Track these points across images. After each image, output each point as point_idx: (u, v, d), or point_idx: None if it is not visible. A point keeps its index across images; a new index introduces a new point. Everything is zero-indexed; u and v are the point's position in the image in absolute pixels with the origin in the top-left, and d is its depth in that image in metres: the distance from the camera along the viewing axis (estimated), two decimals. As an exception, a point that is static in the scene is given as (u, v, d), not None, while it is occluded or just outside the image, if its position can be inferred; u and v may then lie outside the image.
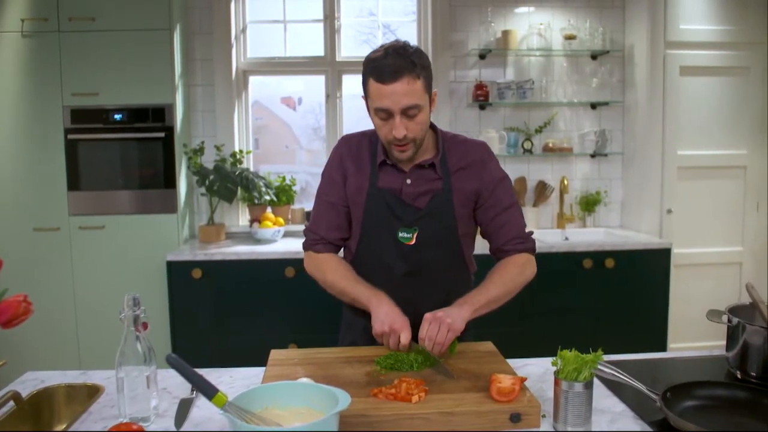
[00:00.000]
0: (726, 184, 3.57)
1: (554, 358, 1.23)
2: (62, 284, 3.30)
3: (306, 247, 1.74)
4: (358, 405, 1.22)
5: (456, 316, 1.47)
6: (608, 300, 3.30)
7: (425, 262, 1.65)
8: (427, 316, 1.47)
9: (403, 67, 1.47)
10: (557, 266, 3.25)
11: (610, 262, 3.25)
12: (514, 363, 1.57)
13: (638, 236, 3.51)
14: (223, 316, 3.17)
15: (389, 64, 1.47)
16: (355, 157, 1.68)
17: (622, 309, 3.30)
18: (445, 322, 1.44)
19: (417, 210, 1.63)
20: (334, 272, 1.66)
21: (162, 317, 3.20)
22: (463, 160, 1.67)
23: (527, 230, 1.70)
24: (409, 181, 1.64)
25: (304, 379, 1.23)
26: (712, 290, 3.55)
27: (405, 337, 1.46)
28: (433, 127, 1.69)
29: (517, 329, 3.20)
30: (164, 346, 3.18)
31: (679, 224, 3.52)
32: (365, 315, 1.60)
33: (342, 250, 1.77)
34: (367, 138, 1.71)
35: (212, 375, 1.53)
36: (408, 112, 1.50)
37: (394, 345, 1.48)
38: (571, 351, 1.22)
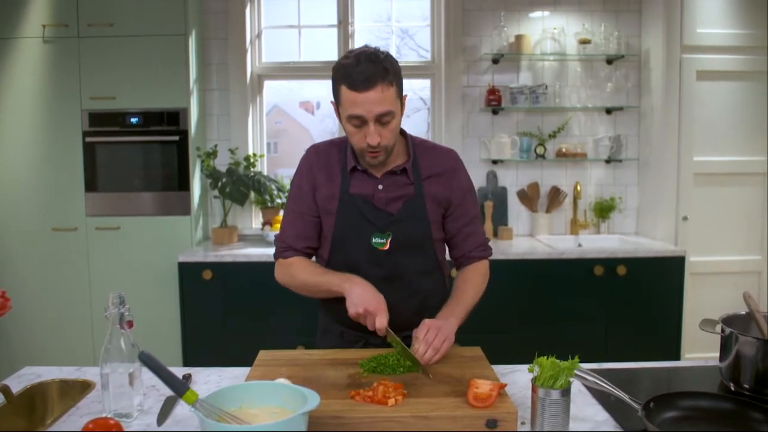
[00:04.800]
0: (744, 191, 3.49)
1: (531, 364, 1.22)
2: (79, 283, 3.38)
3: (276, 256, 1.74)
4: (335, 406, 1.23)
5: (447, 328, 1.50)
6: (620, 308, 3.25)
7: (400, 267, 1.65)
8: (427, 322, 1.50)
9: (376, 74, 1.46)
10: (568, 272, 3.22)
11: (621, 270, 3.21)
12: (502, 369, 1.57)
13: (651, 243, 3.45)
14: (233, 317, 3.21)
15: (362, 71, 1.46)
16: (324, 166, 1.68)
17: (633, 317, 3.25)
18: (443, 331, 1.47)
19: (389, 215, 1.63)
20: (303, 270, 1.66)
21: (173, 317, 3.25)
22: (434, 167, 1.68)
23: (485, 237, 1.78)
24: (381, 187, 1.64)
25: (282, 380, 1.24)
26: (730, 299, 3.43)
27: (380, 321, 1.45)
28: (402, 132, 1.69)
29: (525, 335, 3.18)
30: (174, 346, 3.24)
31: (696, 232, 3.45)
32: (340, 321, 1.60)
33: (315, 259, 1.77)
34: (336, 146, 1.71)
35: (201, 374, 1.56)
36: (381, 120, 1.50)
37: (371, 326, 1.47)
38: (548, 358, 1.21)
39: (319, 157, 1.70)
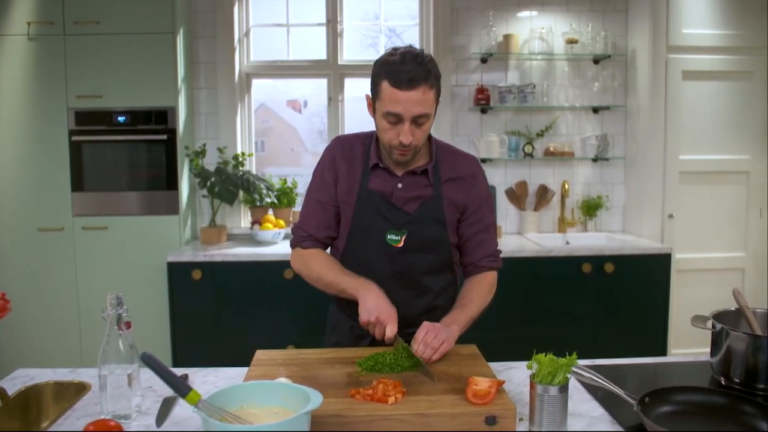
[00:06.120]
0: (728, 189, 3.55)
1: (529, 361, 1.24)
2: (66, 283, 3.34)
3: (294, 244, 1.76)
4: (335, 405, 1.24)
5: (448, 332, 1.53)
6: (608, 305, 3.29)
7: (412, 266, 1.66)
8: (426, 324, 1.52)
9: (421, 76, 1.48)
10: (556, 270, 3.25)
11: (609, 267, 3.24)
12: (498, 366, 1.58)
13: (638, 241, 3.50)
14: (223, 317, 3.20)
15: (408, 71, 1.48)
16: (347, 159, 1.70)
17: (621, 314, 3.29)
18: (442, 333, 1.49)
19: (406, 214, 1.64)
20: (321, 265, 1.67)
21: (163, 317, 3.23)
22: (454, 171, 1.69)
23: (498, 248, 1.78)
24: (400, 185, 1.65)
25: (282, 379, 1.25)
26: (715, 296, 3.49)
27: (390, 330, 1.48)
28: None
29: (514, 333, 3.19)
30: (164, 346, 3.21)
31: (681, 229, 3.50)
32: (351, 315, 1.62)
33: (330, 249, 1.79)
34: (360, 141, 1.72)
35: (198, 374, 1.55)
36: (417, 120, 1.52)
37: (380, 335, 1.50)
38: (546, 355, 1.23)
39: (342, 148, 1.71)
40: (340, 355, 1.57)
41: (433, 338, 1.47)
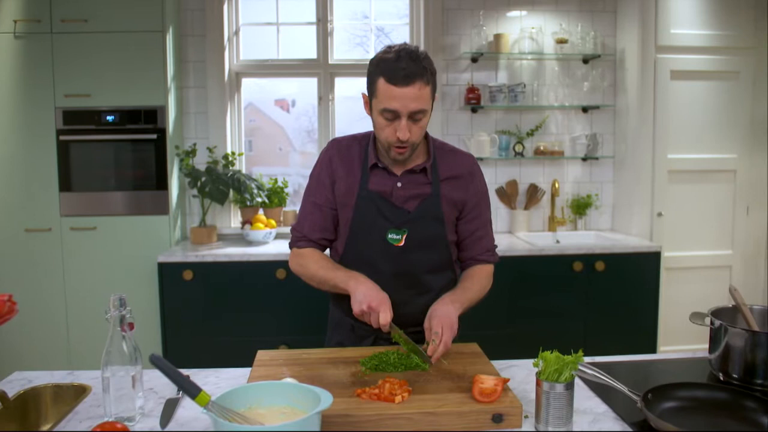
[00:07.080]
0: (716, 188, 3.60)
1: (536, 359, 1.24)
2: (53, 285, 3.30)
3: (290, 244, 1.76)
4: (342, 405, 1.23)
5: (453, 317, 1.51)
6: (598, 303, 3.31)
7: (413, 264, 1.67)
8: (436, 314, 1.50)
9: (416, 72, 1.49)
10: (548, 269, 3.27)
11: (600, 265, 3.27)
12: (499, 364, 1.59)
13: (628, 239, 3.53)
14: (214, 318, 3.17)
15: (403, 67, 1.49)
16: (344, 160, 1.70)
17: (612, 312, 3.32)
18: (448, 326, 1.47)
19: (406, 213, 1.65)
20: (315, 263, 1.68)
21: (153, 318, 3.20)
22: (452, 170, 1.70)
23: (494, 243, 1.81)
24: (399, 185, 1.66)
25: (289, 379, 1.24)
26: (703, 293, 3.57)
27: (384, 317, 1.46)
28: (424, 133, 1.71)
29: (507, 331, 3.21)
30: (155, 347, 3.18)
31: (670, 227, 3.54)
32: (350, 314, 1.61)
33: (328, 251, 1.78)
34: (357, 141, 1.73)
35: (199, 375, 1.54)
36: (414, 116, 1.53)
37: (375, 323, 1.48)
38: (552, 352, 1.23)
39: (339, 150, 1.72)
40: (343, 354, 1.57)
41: (440, 333, 1.45)
